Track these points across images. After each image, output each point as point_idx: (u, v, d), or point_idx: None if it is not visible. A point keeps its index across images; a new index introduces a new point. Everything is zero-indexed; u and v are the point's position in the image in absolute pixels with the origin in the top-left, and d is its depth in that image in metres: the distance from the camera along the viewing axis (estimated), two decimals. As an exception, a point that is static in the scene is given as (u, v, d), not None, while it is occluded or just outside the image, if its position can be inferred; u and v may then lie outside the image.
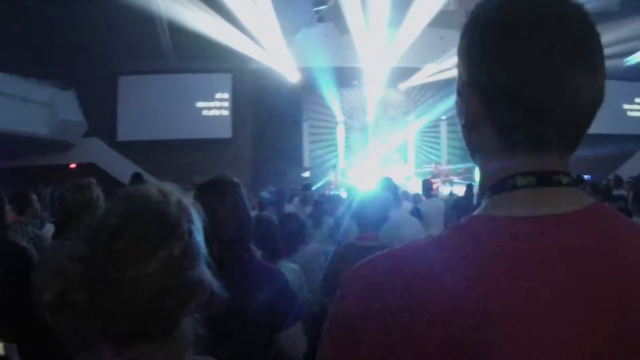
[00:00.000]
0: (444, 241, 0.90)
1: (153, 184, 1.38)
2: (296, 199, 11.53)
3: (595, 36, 0.89)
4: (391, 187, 5.92)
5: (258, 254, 2.84)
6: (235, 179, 2.84)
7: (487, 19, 0.91)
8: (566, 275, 0.80)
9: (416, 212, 8.63)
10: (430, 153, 27.28)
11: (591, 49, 0.88)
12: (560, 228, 0.84)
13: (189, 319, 1.32)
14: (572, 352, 0.77)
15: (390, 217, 4.66)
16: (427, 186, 10.67)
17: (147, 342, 1.24)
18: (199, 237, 1.34)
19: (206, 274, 1.33)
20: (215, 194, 2.67)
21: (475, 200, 1.03)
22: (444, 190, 20.30)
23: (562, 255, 0.81)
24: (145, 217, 1.25)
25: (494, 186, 0.93)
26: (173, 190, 1.36)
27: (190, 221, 1.32)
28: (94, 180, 3.75)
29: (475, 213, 0.95)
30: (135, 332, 1.21)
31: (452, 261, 0.85)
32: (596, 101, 0.89)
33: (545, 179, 0.89)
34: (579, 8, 0.89)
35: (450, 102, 26.25)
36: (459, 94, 0.99)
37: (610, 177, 15.47)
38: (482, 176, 0.99)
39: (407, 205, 10.26)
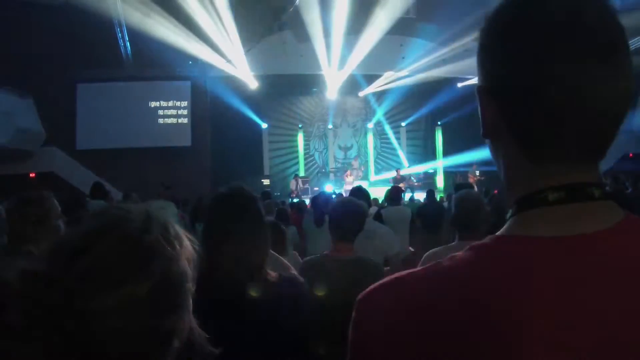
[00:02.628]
0: (473, 265, 0.83)
1: (148, 205, 1.17)
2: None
3: (621, 34, 0.82)
4: (364, 196, 5.81)
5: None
6: (254, 193, 2.56)
7: (501, 20, 0.86)
8: (606, 297, 0.75)
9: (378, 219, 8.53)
10: (390, 159, 27.48)
11: (616, 49, 0.80)
12: (595, 248, 0.79)
13: None
14: None
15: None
16: (395, 193, 10.27)
17: None
18: (184, 285, 1.11)
19: (186, 327, 1.12)
20: (235, 210, 2.43)
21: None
22: (405, 196, 20.40)
23: (600, 277, 0.76)
24: (112, 240, 1.03)
25: (520, 201, 0.88)
26: (171, 224, 1.15)
27: (171, 263, 1.08)
28: (46, 194, 3.42)
29: (502, 232, 0.88)
30: None
31: (486, 290, 0.78)
32: (622, 104, 0.83)
33: (577, 194, 0.83)
34: (604, 4, 0.82)
35: (410, 109, 26.66)
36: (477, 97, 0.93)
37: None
38: (507, 185, 0.93)
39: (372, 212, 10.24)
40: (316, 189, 22.52)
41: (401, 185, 20.37)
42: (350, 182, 22.15)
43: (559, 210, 0.83)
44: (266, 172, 26.00)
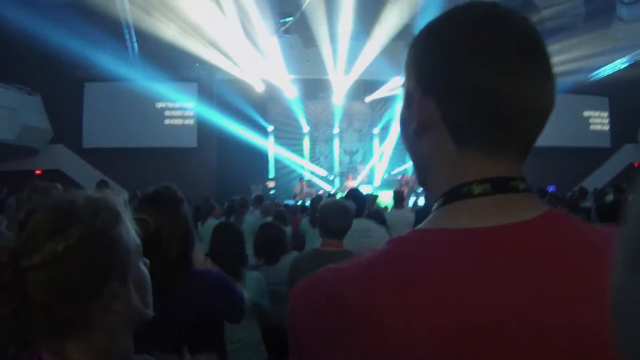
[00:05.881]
0: (389, 256, 0.87)
1: (92, 190, 1.40)
2: (257, 211, 11.29)
3: (540, 38, 0.90)
4: (358, 197, 6.00)
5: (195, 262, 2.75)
6: (179, 193, 2.68)
7: (437, 28, 0.94)
8: (524, 285, 0.78)
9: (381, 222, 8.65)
10: (396, 164, 27.45)
11: (538, 51, 0.88)
12: (517, 237, 0.82)
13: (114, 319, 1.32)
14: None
15: (357, 226, 4.78)
16: (398, 197, 10.41)
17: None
18: (112, 251, 1.32)
19: (122, 295, 1.33)
20: (158, 210, 2.50)
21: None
22: (409, 201, 20.34)
23: (520, 266, 0.79)
24: (43, 212, 1.29)
25: (446, 195, 0.91)
26: (105, 200, 1.37)
27: (92, 228, 1.29)
28: (58, 185, 3.64)
29: (423, 225, 0.92)
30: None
31: (395, 279, 0.82)
32: (546, 107, 0.89)
33: (501, 186, 0.87)
34: (527, 22, 0.89)
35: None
36: (407, 101, 0.98)
37: (576, 189, 15.65)
38: (433, 181, 0.97)
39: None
40: (321, 192, 22.56)
41: (403, 189, 20.37)
42: (350, 187, 22.02)
43: (483, 202, 0.86)
44: (271, 174, 26.03)
